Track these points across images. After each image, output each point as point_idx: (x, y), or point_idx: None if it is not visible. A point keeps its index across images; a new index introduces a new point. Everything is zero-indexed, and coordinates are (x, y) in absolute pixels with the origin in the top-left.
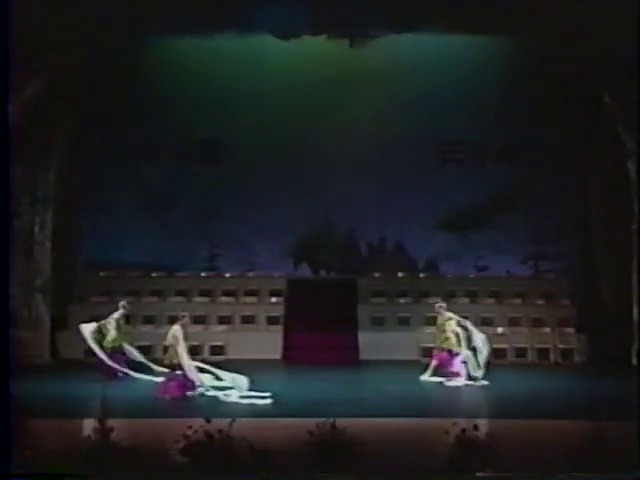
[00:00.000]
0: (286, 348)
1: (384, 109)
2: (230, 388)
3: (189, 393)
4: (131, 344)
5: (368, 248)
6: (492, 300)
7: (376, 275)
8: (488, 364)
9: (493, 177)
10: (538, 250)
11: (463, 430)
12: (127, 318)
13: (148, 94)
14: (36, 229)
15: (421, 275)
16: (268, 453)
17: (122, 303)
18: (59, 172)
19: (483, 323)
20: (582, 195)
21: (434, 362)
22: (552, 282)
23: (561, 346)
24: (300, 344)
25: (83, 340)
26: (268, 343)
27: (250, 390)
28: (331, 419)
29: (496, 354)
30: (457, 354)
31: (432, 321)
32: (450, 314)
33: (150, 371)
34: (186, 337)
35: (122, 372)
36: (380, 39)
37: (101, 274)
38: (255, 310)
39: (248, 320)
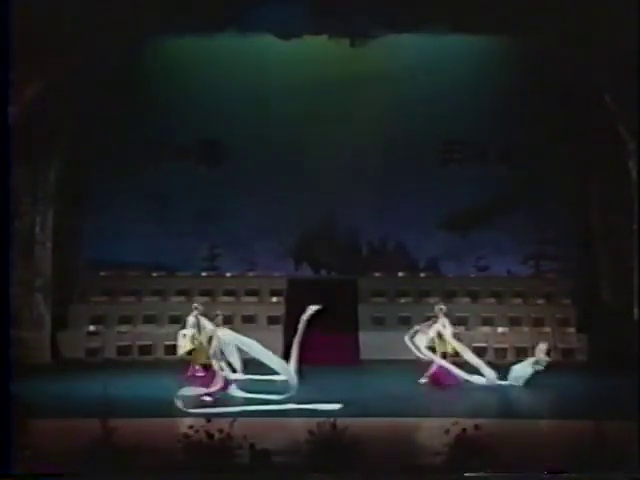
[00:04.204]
0: (286, 348)
1: (384, 109)
2: None
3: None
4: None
5: (369, 248)
6: (493, 300)
7: (377, 275)
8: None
9: (493, 177)
10: (539, 250)
11: (463, 430)
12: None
13: (148, 94)
14: (37, 229)
15: (422, 275)
16: (268, 453)
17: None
18: (59, 172)
19: (484, 323)
20: (583, 195)
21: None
22: (553, 282)
23: (562, 346)
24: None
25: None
26: (268, 343)
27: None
28: (331, 419)
29: (497, 354)
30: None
31: (434, 320)
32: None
33: None
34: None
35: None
36: (381, 39)
37: (102, 274)
38: (255, 310)
39: (248, 320)
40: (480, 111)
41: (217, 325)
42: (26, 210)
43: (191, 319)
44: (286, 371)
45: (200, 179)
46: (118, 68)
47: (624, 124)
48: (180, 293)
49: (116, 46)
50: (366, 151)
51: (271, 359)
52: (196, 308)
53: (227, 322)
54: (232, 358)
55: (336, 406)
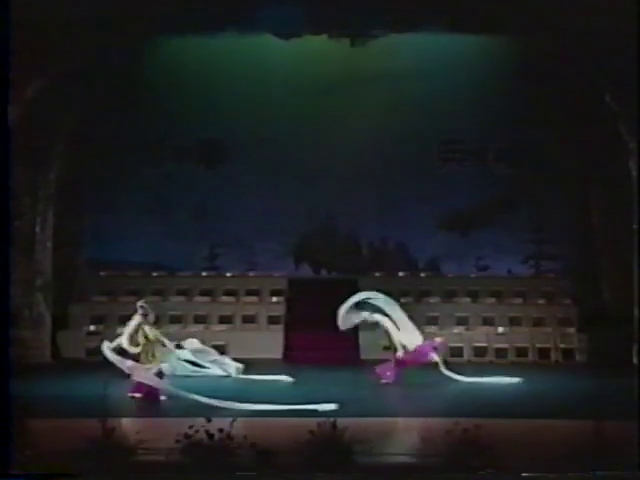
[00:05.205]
0: (287, 348)
1: (384, 109)
2: None
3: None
4: None
5: (369, 248)
6: (493, 300)
7: (377, 275)
8: None
9: (493, 177)
10: (539, 250)
11: (464, 430)
12: None
13: (148, 94)
14: (37, 229)
15: (422, 275)
16: (268, 453)
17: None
18: (59, 172)
19: (484, 323)
20: (583, 194)
21: None
22: (553, 282)
23: (562, 346)
24: (301, 344)
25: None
26: (269, 343)
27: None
28: (331, 419)
29: (497, 354)
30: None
31: (433, 320)
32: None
33: None
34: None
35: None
36: (381, 39)
37: (102, 274)
38: (256, 310)
39: (249, 320)
40: (480, 111)
41: (149, 322)
42: (26, 210)
43: (138, 318)
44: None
45: (200, 179)
46: (118, 68)
47: (624, 124)
48: (181, 293)
49: (116, 46)
50: (366, 151)
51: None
52: (142, 307)
53: (228, 322)
54: None
55: (332, 406)
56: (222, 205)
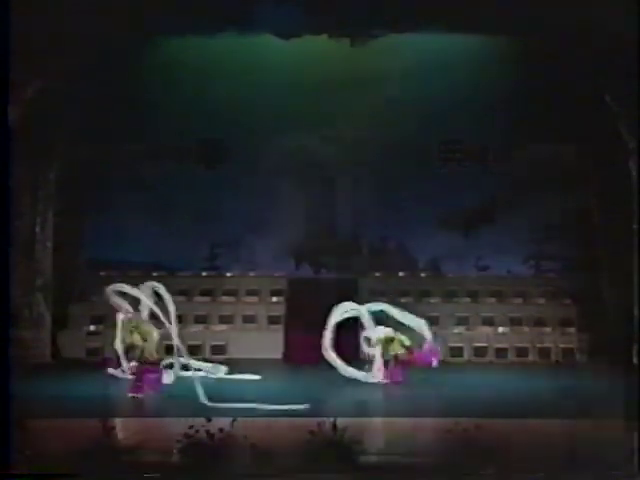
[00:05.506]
0: (287, 348)
1: (384, 108)
2: None
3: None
4: None
5: (369, 248)
6: (493, 299)
7: (377, 275)
8: None
9: (493, 177)
10: (539, 249)
11: (464, 430)
12: None
13: (148, 94)
14: (37, 229)
15: (422, 275)
16: (268, 453)
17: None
18: (59, 172)
19: (484, 323)
20: (583, 194)
21: None
22: (553, 281)
23: (562, 345)
24: (301, 344)
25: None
26: (269, 343)
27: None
28: (332, 419)
29: (497, 354)
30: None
31: (434, 320)
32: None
33: None
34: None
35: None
36: (381, 39)
37: (102, 274)
38: (256, 310)
39: (249, 320)
40: (480, 111)
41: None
42: (27, 210)
43: (121, 317)
44: None
45: (200, 179)
46: (118, 68)
47: (624, 124)
48: (181, 293)
49: (116, 46)
50: (366, 150)
51: None
52: (127, 312)
53: (228, 321)
54: None
55: (303, 406)
56: (222, 205)
